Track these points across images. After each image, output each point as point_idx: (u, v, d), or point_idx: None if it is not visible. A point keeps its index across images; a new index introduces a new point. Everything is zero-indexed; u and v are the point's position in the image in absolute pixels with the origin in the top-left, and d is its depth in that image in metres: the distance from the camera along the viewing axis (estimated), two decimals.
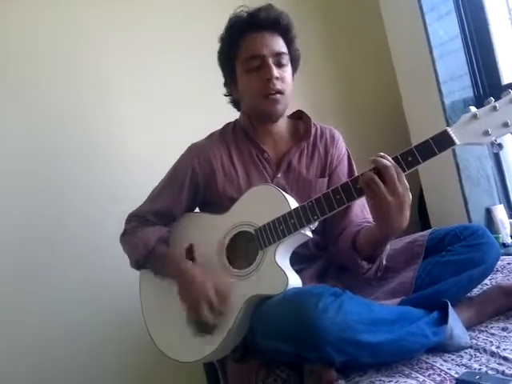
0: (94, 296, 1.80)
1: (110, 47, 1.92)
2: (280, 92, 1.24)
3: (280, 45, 1.26)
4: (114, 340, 1.82)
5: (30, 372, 1.68)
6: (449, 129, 0.98)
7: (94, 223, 1.82)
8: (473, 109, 0.99)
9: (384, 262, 1.19)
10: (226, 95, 1.40)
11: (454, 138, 0.98)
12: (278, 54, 1.25)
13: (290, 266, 1.11)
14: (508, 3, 2.00)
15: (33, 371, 1.68)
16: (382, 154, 1.02)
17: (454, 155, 1.92)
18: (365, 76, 2.37)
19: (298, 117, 1.39)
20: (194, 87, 1.99)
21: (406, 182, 1.00)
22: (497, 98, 0.98)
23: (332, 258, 1.30)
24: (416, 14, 1.94)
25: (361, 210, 1.27)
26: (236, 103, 1.40)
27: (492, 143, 0.98)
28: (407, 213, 1.02)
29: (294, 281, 1.07)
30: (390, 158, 1.00)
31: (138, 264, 1.28)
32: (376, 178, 0.99)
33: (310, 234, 1.12)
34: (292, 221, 1.08)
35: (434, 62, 1.92)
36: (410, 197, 1.01)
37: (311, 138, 1.34)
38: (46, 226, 1.77)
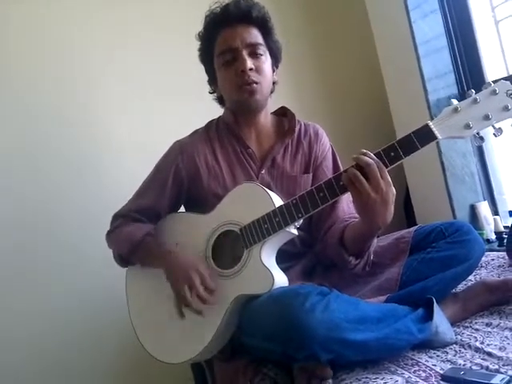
0: (81, 293, 1.79)
1: (100, 45, 1.92)
2: (256, 82, 1.23)
3: (254, 36, 1.25)
4: (101, 338, 1.81)
5: (14, 366, 1.68)
6: (430, 123, 0.98)
7: (88, 216, 1.81)
8: (454, 102, 0.99)
9: (372, 257, 1.19)
10: (210, 93, 1.40)
11: (436, 132, 0.97)
12: (252, 45, 1.24)
13: (275, 265, 1.11)
14: (491, 1, 2.02)
15: (18, 366, 1.68)
16: (364, 150, 1.01)
17: (439, 153, 1.94)
18: (351, 74, 2.38)
19: (283, 113, 1.39)
20: (183, 81, 1.99)
21: (388, 177, 1.00)
22: (478, 91, 0.98)
23: (320, 255, 1.30)
24: (401, 11, 1.95)
25: (348, 206, 1.27)
26: (221, 100, 1.39)
27: (474, 136, 0.97)
28: (391, 208, 1.02)
29: (280, 279, 1.06)
30: (372, 155, 1.00)
31: (122, 258, 1.27)
32: (359, 174, 0.99)
33: (295, 231, 1.12)
34: (276, 219, 1.08)
35: (419, 59, 1.93)
36: (394, 192, 1.01)
37: (295, 135, 1.34)
38: (38, 217, 1.77)
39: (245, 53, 1.23)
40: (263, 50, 1.27)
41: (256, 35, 1.25)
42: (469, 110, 0.96)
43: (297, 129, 1.34)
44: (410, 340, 1.02)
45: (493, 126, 0.96)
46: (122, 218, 1.31)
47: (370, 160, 0.99)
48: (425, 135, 0.98)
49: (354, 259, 1.17)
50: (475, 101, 0.96)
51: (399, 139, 0.99)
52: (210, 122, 1.40)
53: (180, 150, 1.31)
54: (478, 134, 0.97)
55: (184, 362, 1.13)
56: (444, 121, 0.98)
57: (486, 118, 0.95)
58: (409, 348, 1.04)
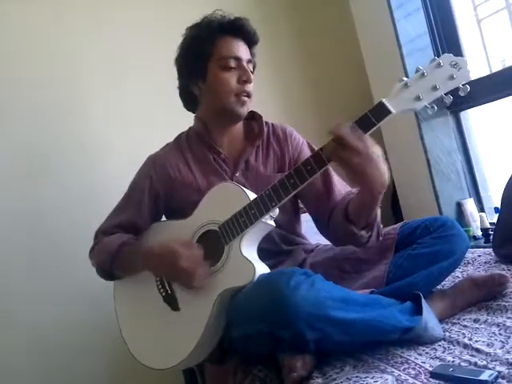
0: (82, 297, 1.80)
1: (91, 49, 1.92)
2: (249, 96, 1.29)
3: (249, 54, 1.33)
4: (90, 341, 1.80)
5: (14, 370, 1.68)
6: (384, 99, 1.02)
7: (83, 217, 1.81)
8: (404, 78, 1.03)
9: (381, 226, 1.19)
10: (179, 88, 1.38)
11: (390, 107, 1.01)
12: (250, 61, 1.32)
13: (257, 258, 1.12)
14: (473, 0, 2.04)
15: (18, 369, 1.69)
16: (337, 122, 1.03)
17: (425, 151, 1.95)
18: (336, 74, 2.38)
19: (251, 117, 1.40)
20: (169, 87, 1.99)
21: (368, 139, 1.01)
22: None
23: (333, 240, 1.29)
24: (385, 10, 1.97)
25: (342, 186, 1.28)
26: (191, 98, 1.37)
27: (425, 107, 1.02)
28: (382, 166, 1.02)
29: (262, 269, 1.07)
30: (345, 124, 1.01)
31: (104, 271, 1.27)
32: (337, 144, 1.00)
33: (272, 222, 1.14)
34: (252, 211, 1.10)
35: (403, 58, 1.95)
36: (379, 150, 1.02)
37: (265, 136, 1.36)
38: (32, 220, 1.77)
39: (246, 66, 1.29)
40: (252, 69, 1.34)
41: (249, 54, 1.32)
42: (418, 83, 1.02)
43: (266, 130, 1.37)
44: (396, 325, 1.03)
45: (443, 96, 1.01)
46: (102, 235, 1.32)
47: (344, 129, 1.00)
48: (380, 111, 1.02)
49: (365, 232, 1.16)
50: (423, 75, 1.02)
51: (357, 119, 1.03)
52: (180, 135, 1.42)
53: (152, 162, 1.33)
54: (428, 105, 1.02)
55: (174, 366, 1.12)
56: (396, 96, 1.03)
57: (434, 88, 1.00)
58: (396, 335, 1.04)
